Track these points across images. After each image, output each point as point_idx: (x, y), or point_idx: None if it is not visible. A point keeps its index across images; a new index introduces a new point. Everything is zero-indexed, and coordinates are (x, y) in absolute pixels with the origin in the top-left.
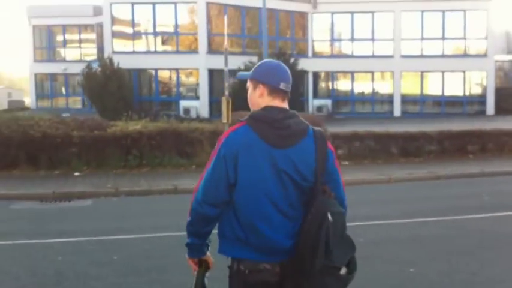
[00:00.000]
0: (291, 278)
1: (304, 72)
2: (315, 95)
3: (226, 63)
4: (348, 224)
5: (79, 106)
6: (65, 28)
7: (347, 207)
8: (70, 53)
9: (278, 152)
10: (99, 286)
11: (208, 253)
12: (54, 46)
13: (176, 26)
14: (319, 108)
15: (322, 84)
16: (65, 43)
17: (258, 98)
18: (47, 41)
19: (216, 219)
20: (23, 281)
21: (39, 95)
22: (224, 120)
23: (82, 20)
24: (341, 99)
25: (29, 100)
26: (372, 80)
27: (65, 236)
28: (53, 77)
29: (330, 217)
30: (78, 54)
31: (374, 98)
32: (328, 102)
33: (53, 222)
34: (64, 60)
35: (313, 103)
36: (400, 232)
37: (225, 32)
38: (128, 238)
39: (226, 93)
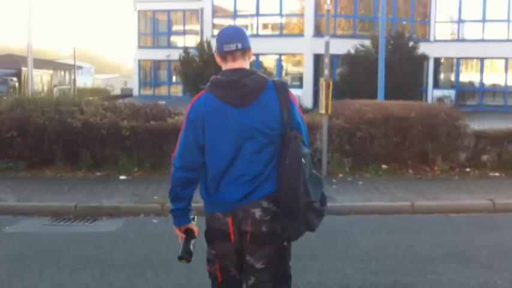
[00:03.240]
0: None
1: (424, 58)
2: (436, 85)
3: (327, 31)
4: None
5: (180, 94)
6: (169, 13)
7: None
8: (174, 39)
9: (241, 111)
10: None
11: (193, 222)
12: (159, 32)
13: (281, 6)
14: (441, 100)
15: (445, 72)
16: (169, 28)
17: (220, 64)
18: (151, 27)
19: (194, 182)
20: None
21: (143, 82)
22: (322, 110)
23: (186, 4)
24: (467, 90)
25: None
26: (506, 68)
27: None
28: (156, 64)
29: (303, 160)
30: (182, 40)
31: (508, 89)
32: (451, 92)
33: (37, 267)
34: (168, 47)
35: (433, 93)
36: None
37: None
38: None
39: (326, 72)
